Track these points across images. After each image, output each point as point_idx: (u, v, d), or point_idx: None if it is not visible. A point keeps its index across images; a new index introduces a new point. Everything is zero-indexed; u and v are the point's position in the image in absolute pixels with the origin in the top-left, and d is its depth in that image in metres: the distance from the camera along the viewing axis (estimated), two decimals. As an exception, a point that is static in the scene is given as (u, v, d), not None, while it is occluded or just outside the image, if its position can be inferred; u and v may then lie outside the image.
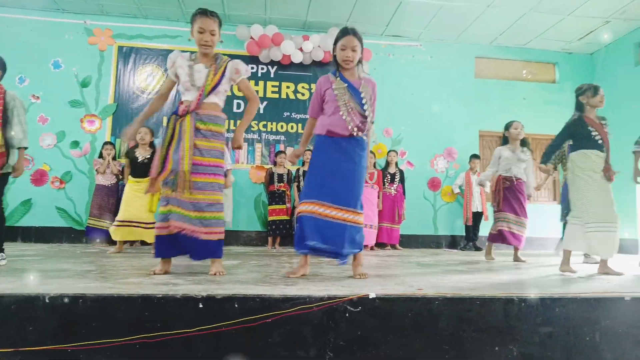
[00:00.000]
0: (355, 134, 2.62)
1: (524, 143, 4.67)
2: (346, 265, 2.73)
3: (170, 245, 2.63)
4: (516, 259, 4.52)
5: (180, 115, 2.60)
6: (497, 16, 6.71)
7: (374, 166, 6.56)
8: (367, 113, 2.64)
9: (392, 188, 6.61)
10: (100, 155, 6.11)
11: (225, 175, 5.93)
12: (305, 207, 2.60)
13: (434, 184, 7.34)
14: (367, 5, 6.51)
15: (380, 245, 6.54)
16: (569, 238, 3.43)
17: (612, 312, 2.02)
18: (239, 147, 2.76)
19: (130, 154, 4.86)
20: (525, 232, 4.60)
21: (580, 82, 7.67)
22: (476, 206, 6.74)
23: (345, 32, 2.65)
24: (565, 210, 4.71)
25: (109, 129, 6.79)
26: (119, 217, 4.67)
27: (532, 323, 1.93)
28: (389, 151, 6.82)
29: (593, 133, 3.39)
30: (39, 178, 6.51)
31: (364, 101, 2.63)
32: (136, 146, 4.85)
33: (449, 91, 7.51)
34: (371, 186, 6.36)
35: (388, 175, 6.62)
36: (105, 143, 6.16)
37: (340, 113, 2.60)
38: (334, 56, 2.71)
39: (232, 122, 6.97)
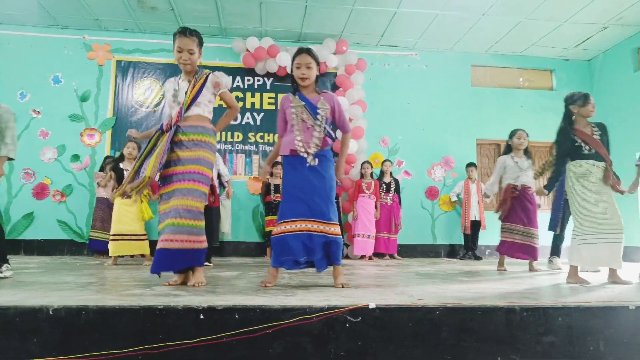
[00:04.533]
0: (307, 152, 2.68)
1: (526, 152, 4.61)
2: (347, 276, 2.74)
3: (166, 259, 2.61)
4: (531, 268, 4.40)
5: (165, 130, 2.69)
6: (492, 24, 6.79)
7: (371, 176, 6.58)
8: (319, 129, 2.70)
9: (388, 198, 6.62)
10: (102, 169, 6.14)
11: (224, 187, 5.95)
12: (283, 227, 2.66)
13: (431, 193, 7.36)
14: (362, 16, 6.58)
15: (378, 255, 6.54)
16: (571, 253, 3.36)
17: (616, 321, 2.01)
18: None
19: (114, 168, 4.99)
20: (538, 242, 4.43)
21: (577, 89, 7.75)
22: (474, 215, 6.74)
23: (299, 51, 2.78)
24: (554, 221, 4.67)
25: (108, 142, 6.82)
26: (112, 231, 4.74)
27: (534, 332, 1.92)
28: (384, 161, 6.83)
29: (578, 144, 3.32)
30: (40, 192, 6.53)
31: (319, 117, 2.71)
32: (121, 159, 4.96)
33: (445, 100, 7.56)
34: (368, 196, 6.37)
35: (383, 185, 6.63)
36: (107, 157, 6.21)
37: (299, 131, 2.71)
38: (292, 75, 2.82)
39: (224, 133, 7.01)
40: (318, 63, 2.79)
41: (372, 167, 6.64)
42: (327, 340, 1.79)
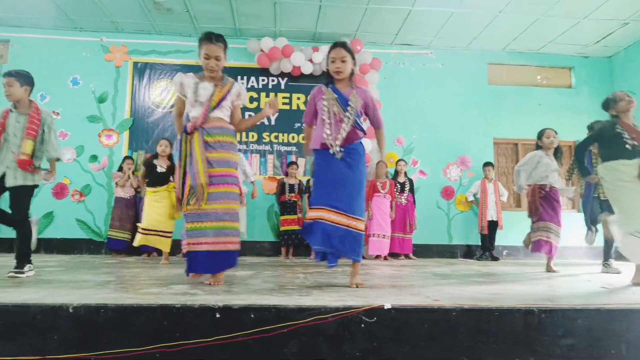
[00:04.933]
0: (337, 146, 2.69)
1: (556, 151, 4.53)
2: (362, 276, 2.73)
3: (198, 261, 2.69)
4: (548, 269, 4.36)
5: (189, 132, 2.72)
6: (509, 22, 6.69)
7: (386, 175, 6.55)
8: (347, 121, 2.71)
9: (403, 197, 6.58)
10: (120, 169, 6.23)
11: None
12: (314, 214, 2.68)
13: (447, 193, 7.29)
14: (376, 15, 6.55)
15: (393, 255, 6.50)
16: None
17: (638, 324, 1.96)
18: (273, 109, 2.90)
19: (147, 163, 5.01)
20: (559, 242, 4.43)
21: (597, 87, 7.64)
22: (491, 215, 6.66)
23: (334, 45, 2.78)
24: (589, 220, 4.62)
25: (126, 142, 6.92)
26: (142, 225, 4.82)
27: (552, 335, 1.90)
28: (398, 160, 6.80)
29: (625, 137, 3.24)
30: (59, 191, 6.66)
31: (349, 111, 2.71)
32: (156, 157, 5.00)
33: (461, 99, 7.49)
34: (383, 196, 6.33)
35: (398, 184, 6.59)
36: (126, 157, 6.31)
37: (331, 124, 2.71)
38: (327, 70, 2.81)
39: (243, 133, 7.04)
40: (353, 57, 2.79)
41: (387, 166, 6.60)
42: (342, 341, 1.79)
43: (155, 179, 4.90)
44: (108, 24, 6.90)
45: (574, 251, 6.76)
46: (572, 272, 4.34)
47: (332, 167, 2.70)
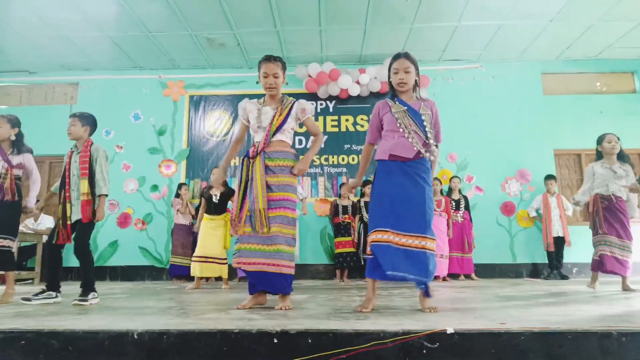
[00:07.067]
0: (421, 154, 2.57)
1: (621, 157, 4.24)
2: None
3: (254, 280, 2.73)
4: (625, 287, 4.02)
5: (251, 157, 2.78)
6: (562, 30, 6.44)
7: (441, 193, 6.37)
8: (429, 135, 2.58)
9: (459, 215, 6.37)
10: (177, 195, 6.51)
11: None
12: (378, 236, 2.51)
13: (507, 209, 6.97)
14: (422, 33, 6.53)
15: (452, 276, 6.26)
16: None
17: None
18: (300, 172, 2.81)
19: (205, 194, 5.18)
20: (631, 257, 4.08)
21: (665, 90, 7.06)
22: (557, 230, 6.28)
23: (396, 56, 2.67)
24: None
25: (183, 171, 7.25)
26: (197, 252, 4.96)
27: (635, 360, 1.73)
28: (452, 177, 6.62)
29: None
30: (123, 221, 7.05)
31: (425, 123, 2.59)
32: (210, 186, 5.16)
33: (515, 111, 7.22)
34: (439, 214, 6.16)
35: (452, 202, 6.39)
36: (181, 184, 6.58)
37: (405, 136, 2.56)
38: (390, 82, 2.72)
39: (296, 157, 7.15)
40: (417, 67, 2.66)
41: (441, 183, 6.44)
42: (404, 367, 1.72)
43: (211, 207, 5.06)
44: (166, 62, 7.36)
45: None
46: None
47: (398, 182, 2.53)
